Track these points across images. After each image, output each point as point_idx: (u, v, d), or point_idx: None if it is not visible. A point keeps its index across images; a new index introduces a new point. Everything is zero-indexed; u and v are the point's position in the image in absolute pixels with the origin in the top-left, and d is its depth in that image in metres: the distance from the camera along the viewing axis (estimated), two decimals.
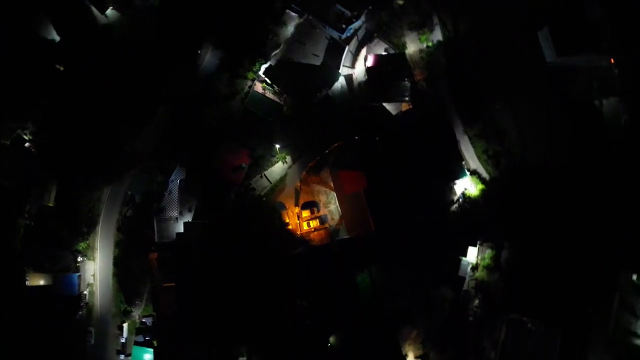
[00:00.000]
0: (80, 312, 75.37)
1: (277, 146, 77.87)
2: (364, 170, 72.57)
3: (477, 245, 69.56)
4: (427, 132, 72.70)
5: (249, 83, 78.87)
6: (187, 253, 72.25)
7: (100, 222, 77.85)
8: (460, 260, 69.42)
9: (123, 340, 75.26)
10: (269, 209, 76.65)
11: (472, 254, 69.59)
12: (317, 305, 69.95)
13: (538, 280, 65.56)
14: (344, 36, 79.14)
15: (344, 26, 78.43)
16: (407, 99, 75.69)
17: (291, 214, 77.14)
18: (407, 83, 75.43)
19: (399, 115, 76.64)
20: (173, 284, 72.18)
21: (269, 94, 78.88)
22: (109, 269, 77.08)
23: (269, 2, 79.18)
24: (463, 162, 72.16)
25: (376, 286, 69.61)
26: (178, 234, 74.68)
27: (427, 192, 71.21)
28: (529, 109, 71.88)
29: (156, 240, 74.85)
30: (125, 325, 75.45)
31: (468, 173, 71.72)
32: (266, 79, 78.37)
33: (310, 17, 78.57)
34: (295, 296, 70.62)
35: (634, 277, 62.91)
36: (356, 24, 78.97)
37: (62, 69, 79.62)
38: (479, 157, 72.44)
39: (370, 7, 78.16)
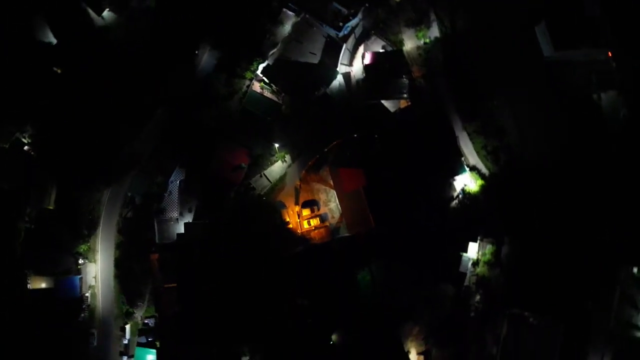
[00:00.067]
0: (82, 315, 75.52)
1: (276, 145, 77.90)
2: (364, 168, 72.59)
3: (478, 241, 69.64)
4: (425, 128, 72.64)
5: (247, 82, 78.82)
6: (188, 253, 72.33)
7: (101, 224, 77.94)
8: (461, 256, 69.54)
9: (125, 342, 75.45)
10: (269, 208, 76.66)
11: (473, 250, 69.68)
12: (318, 303, 70.04)
13: (539, 275, 65.59)
14: (341, 34, 79.02)
15: (341, 24, 78.25)
16: (405, 96, 75.63)
17: (291, 212, 77.19)
18: (405, 80, 75.33)
19: (398, 113, 76.62)
20: (174, 285, 72.29)
21: (267, 93, 78.86)
22: (110, 270, 77.21)
23: (266, 1, 79.05)
24: (462, 158, 72.16)
25: (377, 284, 69.70)
26: (179, 234, 74.79)
27: (427, 189, 71.16)
28: (528, 104, 71.71)
29: (157, 241, 74.97)
30: (127, 327, 75.63)
31: (467, 169, 71.73)
32: (264, 78, 78.35)
33: (307, 16, 78.42)
34: (296, 295, 70.69)
35: (635, 270, 63.00)
36: (353, 22, 78.86)
37: (59, 71, 79.59)
38: (478, 153, 72.42)
39: (367, 5, 77.97)
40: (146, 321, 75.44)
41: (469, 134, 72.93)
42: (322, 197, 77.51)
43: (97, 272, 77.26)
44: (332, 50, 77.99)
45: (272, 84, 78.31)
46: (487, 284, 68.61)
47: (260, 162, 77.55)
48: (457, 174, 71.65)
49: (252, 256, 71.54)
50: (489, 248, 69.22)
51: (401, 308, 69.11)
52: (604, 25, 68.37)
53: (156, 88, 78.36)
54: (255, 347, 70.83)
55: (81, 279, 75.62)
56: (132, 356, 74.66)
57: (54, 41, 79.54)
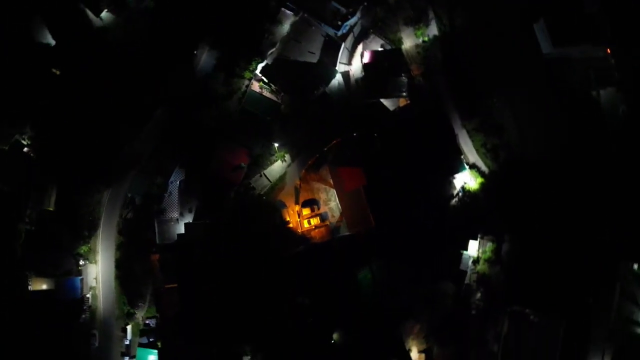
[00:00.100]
0: (83, 316, 75.57)
1: (276, 145, 77.90)
2: (363, 167, 72.58)
3: (478, 239, 69.62)
4: (425, 127, 72.62)
5: (246, 82, 78.81)
6: (188, 254, 72.43)
7: (101, 225, 78.00)
8: (461, 254, 69.57)
9: (127, 342, 75.57)
10: (269, 208, 76.67)
11: (473, 248, 69.66)
12: (319, 302, 70.06)
13: (539, 272, 65.61)
14: (339, 33, 79.00)
15: (339, 23, 78.21)
16: (404, 94, 75.60)
17: (291, 212, 77.19)
18: (404, 78, 75.31)
19: (397, 111, 76.58)
20: (175, 285, 72.36)
21: (266, 93, 78.85)
22: (111, 271, 77.27)
23: (264, 0, 79.02)
24: (462, 156, 72.12)
25: (378, 282, 69.72)
26: (179, 235, 74.85)
27: (427, 187, 71.16)
28: (527, 101, 71.67)
29: (157, 241, 75.04)
30: (128, 327, 75.77)
31: (467, 167, 71.69)
32: (263, 77, 78.33)
33: (305, 15, 78.41)
34: (296, 294, 70.71)
35: (635, 266, 63.07)
36: (352, 21, 78.85)
37: (58, 72, 79.53)
38: (477, 151, 72.41)
39: (365, 3, 77.95)
40: (147, 322, 75.49)
41: (468, 132, 72.93)
42: (322, 196, 77.50)
43: (97, 273, 77.32)
44: (330, 49, 78.02)
45: (271, 84, 78.29)
46: (487, 281, 68.60)
47: (260, 161, 77.56)
48: (457, 172, 71.62)
49: (253, 256, 71.64)
50: (489, 246, 69.23)
51: (402, 307, 69.08)
52: (603, 22, 68.31)
53: (156, 88, 78.38)
54: (256, 347, 70.86)
55: (82, 280, 75.61)
56: (134, 357, 74.75)
57: (53, 42, 79.52)
